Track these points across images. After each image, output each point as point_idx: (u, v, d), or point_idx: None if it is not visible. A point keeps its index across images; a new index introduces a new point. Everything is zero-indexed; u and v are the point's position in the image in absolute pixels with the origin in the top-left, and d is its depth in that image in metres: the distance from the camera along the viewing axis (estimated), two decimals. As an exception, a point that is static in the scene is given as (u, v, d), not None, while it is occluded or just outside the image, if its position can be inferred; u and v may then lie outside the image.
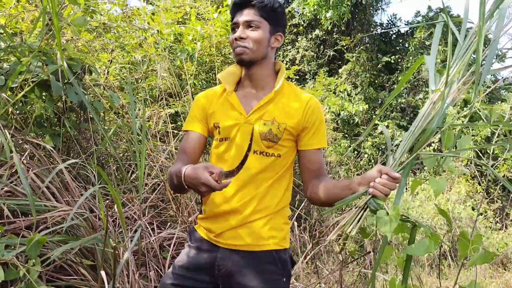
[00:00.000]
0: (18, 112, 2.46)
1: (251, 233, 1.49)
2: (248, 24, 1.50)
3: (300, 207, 3.82)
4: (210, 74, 4.84)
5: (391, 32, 12.98)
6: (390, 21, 13.39)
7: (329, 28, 11.42)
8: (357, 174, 7.12)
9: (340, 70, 11.61)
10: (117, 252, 1.99)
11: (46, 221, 1.98)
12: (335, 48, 12.03)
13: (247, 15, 1.50)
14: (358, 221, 1.27)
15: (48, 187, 2.15)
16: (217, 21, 4.66)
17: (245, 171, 1.41)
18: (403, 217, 1.39)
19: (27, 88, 2.06)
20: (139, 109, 3.32)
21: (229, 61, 5.13)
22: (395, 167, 1.31)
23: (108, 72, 3.39)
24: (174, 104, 3.72)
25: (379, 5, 12.87)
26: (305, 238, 3.70)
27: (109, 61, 3.47)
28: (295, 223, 3.57)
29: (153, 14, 4.11)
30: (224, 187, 1.25)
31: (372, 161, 9.49)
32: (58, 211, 2.02)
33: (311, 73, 11.98)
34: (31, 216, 1.99)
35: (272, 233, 1.51)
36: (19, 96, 2.02)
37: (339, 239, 4.48)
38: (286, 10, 12.27)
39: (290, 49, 12.33)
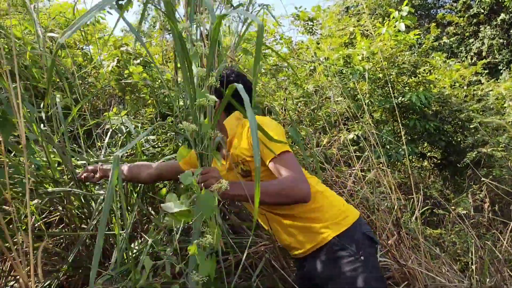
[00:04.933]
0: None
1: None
2: None
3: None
4: (385, 89, 4.67)
5: None
6: None
7: (518, 8, 9.96)
8: None
9: (541, 52, 9.95)
10: None
11: None
12: (530, 27, 10.39)
13: None
14: None
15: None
16: (386, 34, 4.51)
17: None
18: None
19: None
20: (318, 138, 3.38)
21: (404, 71, 4.88)
22: None
23: (285, 108, 3.56)
24: (353, 127, 3.69)
25: None
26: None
27: (284, 98, 3.66)
28: None
29: (318, 43, 4.21)
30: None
31: None
32: None
33: (504, 62, 10.54)
34: None
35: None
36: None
37: None
38: (460, 2, 11.19)
39: (473, 42, 11.13)
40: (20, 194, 1.73)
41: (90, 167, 2.00)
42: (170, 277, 1.65)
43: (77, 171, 2.06)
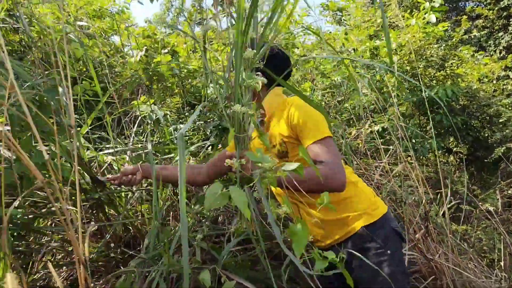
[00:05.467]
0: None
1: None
2: None
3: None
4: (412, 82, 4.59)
5: None
6: None
7: (551, 0, 9.66)
8: None
9: None
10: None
11: None
12: None
13: None
14: None
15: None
16: (415, 26, 4.43)
17: None
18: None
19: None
20: (344, 130, 3.36)
21: (432, 64, 4.79)
22: None
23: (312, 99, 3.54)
24: (380, 120, 3.65)
25: None
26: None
27: (311, 88, 3.64)
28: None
29: (345, 34, 4.17)
30: None
31: None
32: None
33: (535, 57, 10.25)
34: None
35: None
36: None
37: None
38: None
39: (502, 35, 10.84)
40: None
41: (128, 169, 1.76)
42: (200, 262, 1.67)
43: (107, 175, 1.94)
